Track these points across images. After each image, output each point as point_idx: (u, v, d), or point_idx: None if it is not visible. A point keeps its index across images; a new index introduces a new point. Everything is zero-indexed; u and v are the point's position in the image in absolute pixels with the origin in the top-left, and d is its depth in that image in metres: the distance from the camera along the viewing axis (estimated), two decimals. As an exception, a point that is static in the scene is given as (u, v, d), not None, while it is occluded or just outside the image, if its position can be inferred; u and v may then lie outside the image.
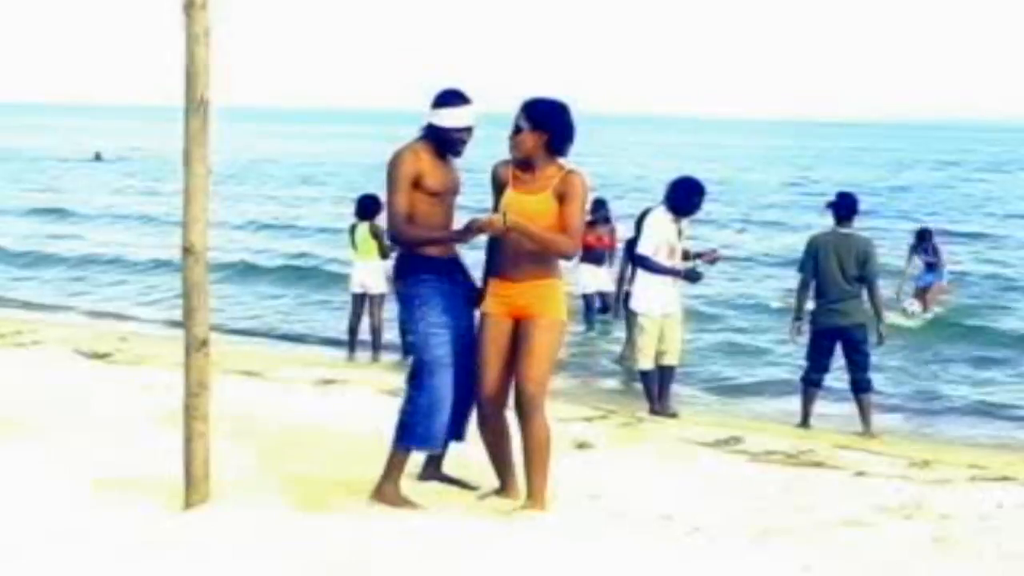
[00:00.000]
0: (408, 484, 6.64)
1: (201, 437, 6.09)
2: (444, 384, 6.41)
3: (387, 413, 9.15)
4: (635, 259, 10.86)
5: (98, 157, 61.07)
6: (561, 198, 6.27)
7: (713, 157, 75.26)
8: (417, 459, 6.76)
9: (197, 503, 6.11)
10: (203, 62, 5.90)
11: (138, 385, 9.79)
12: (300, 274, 21.60)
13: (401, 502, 6.44)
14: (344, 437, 8.06)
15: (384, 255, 13.92)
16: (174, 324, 12.27)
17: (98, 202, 36.43)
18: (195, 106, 5.90)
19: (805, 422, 10.99)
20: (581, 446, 8.16)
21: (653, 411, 10.76)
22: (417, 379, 6.47)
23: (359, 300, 14.38)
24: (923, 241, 18.11)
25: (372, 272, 14.16)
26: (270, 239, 27.18)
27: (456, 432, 6.64)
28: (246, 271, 21.79)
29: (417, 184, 6.35)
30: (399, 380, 11.39)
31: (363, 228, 14.19)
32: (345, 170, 54.10)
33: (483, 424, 6.52)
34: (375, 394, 10.18)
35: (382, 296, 14.07)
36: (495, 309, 6.41)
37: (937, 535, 6.40)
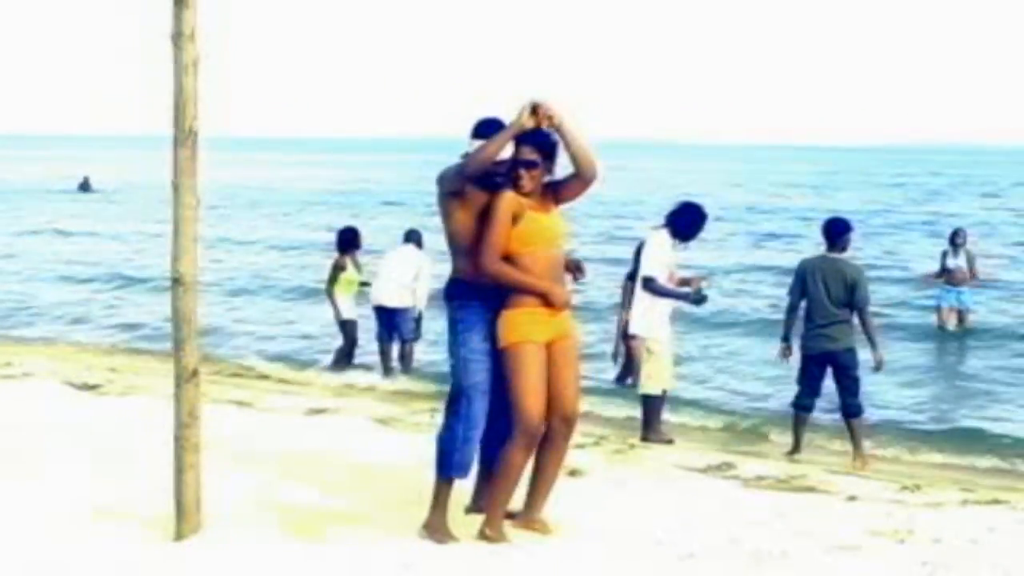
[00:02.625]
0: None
1: (192, 468, 6.08)
2: (481, 411, 6.39)
3: (379, 441, 9.20)
4: (643, 282, 10.75)
5: (85, 187, 57.80)
6: (557, 198, 6.50)
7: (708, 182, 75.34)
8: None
9: (188, 534, 6.09)
10: (191, 92, 5.92)
11: (128, 416, 9.76)
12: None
13: (446, 536, 6.41)
14: (337, 466, 8.03)
15: (332, 283, 14.71)
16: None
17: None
18: (184, 136, 5.91)
19: (796, 447, 10.98)
20: (573, 473, 8.13)
21: (646, 438, 10.74)
22: (455, 406, 6.43)
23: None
24: (956, 241, 17.83)
25: (339, 302, 14.82)
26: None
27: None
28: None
29: (463, 202, 6.39)
30: (390, 409, 11.48)
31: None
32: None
33: (530, 449, 6.40)
34: (367, 422, 10.17)
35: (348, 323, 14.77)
36: (539, 337, 6.36)
37: (929, 559, 6.40)
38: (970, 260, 17.82)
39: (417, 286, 14.00)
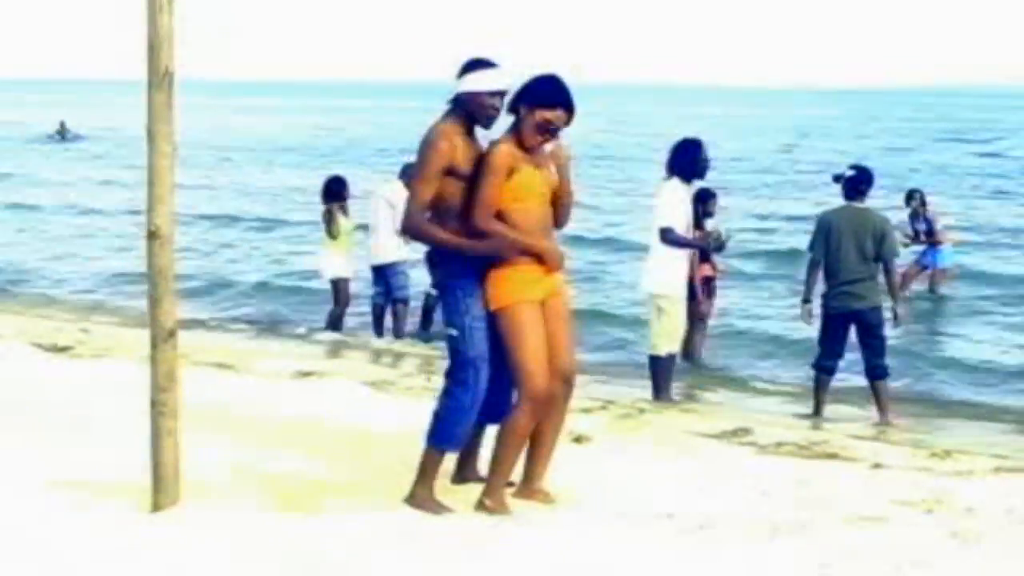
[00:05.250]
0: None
1: (170, 434, 6.08)
2: (485, 381, 6.40)
3: (370, 406, 9.22)
4: (660, 234, 10.67)
5: (61, 134, 56.69)
6: (558, 168, 6.54)
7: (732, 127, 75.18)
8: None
9: (167, 505, 6.10)
10: (167, 32, 5.87)
11: (102, 380, 9.77)
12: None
13: (436, 506, 6.43)
14: (325, 432, 8.05)
15: (332, 236, 14.45)
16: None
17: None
18: (159, 79, 5.87)
19: (818, 411, 11.00)
20: (578, 439, 8.16)
21: (657, 399, 10.79)
22: (460, 375, 6.41)
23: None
24: (910, 204, 17.47)
25: (323, 258, 14.71)
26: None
27: (494, 417, 6.59)
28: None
29: (450, 171, 6.32)
30: (382, 372, 11.51)
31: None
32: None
33: (536, 414, 6.41)
34: (356, 386, 10.19)
35: (339, 282, 14.59)
36: (538, 295, 6.41)
37: (960, 530, 6.41)
38: (929, 223, 17.37)
39: (396, 216, 13.70)
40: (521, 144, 6.37)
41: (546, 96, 6.37)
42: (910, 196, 17.72)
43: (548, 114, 6.33)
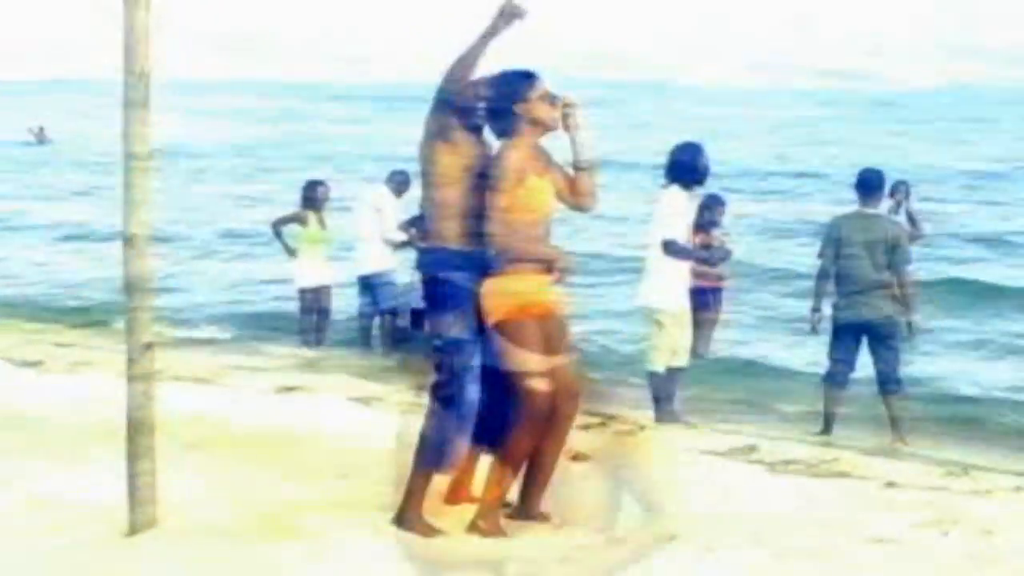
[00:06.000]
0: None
1: (147, 454, 6.06)
2: (474, 398, 6.37)
3: (358, 422, 9.19)
4: (663, 246, 10.61)
5: (41, 139, 55.59)
6: (565, 118, 6.45)
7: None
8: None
9: (144, 527, 6.08)
10: (144, 30, 5.87)
11: (75, 396, 9.74)
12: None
13: (426, 528, 6.39)
14: (311, 450, 8.03)
15: (274, 228, 14.71)
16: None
17: None
18: (135, 79, 5.87)
19: (828, 428, 10.98)
20: (576, 458, 8.12)
21: (660, 419, 10.74)
22: (445, 391, 6.39)
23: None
24: (895, 196, 16.24)
25: (299, 265, 14.62)
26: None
27: (491, 440, 6.55)
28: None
29: (463, 172, 6.32)
30: (368, 386, 11.46)
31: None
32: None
33: (538, 432, 6.39)
34: (344, 402, 10.16)
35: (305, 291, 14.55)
36: (538, 306, 6.36)
37: (977, 553, 6.40)
38: (912, 218, 16.88)
39: (382, 222, 13.71)
40: (534, 147, 6.35)
41: (520, 81, 6.36)
42: (895, 189, 17.21)
43: (538, 89, 6.34)
